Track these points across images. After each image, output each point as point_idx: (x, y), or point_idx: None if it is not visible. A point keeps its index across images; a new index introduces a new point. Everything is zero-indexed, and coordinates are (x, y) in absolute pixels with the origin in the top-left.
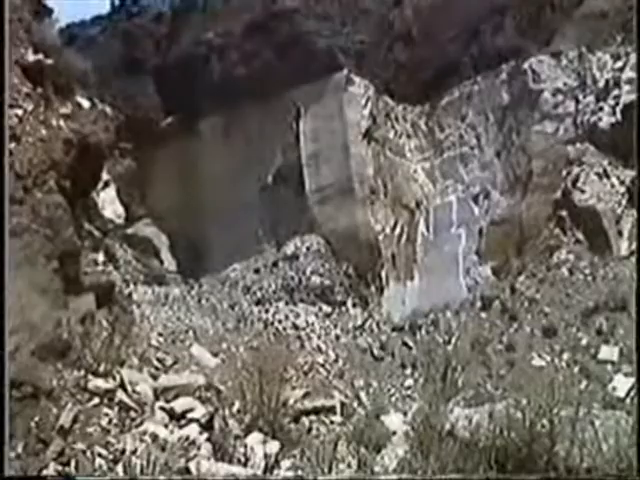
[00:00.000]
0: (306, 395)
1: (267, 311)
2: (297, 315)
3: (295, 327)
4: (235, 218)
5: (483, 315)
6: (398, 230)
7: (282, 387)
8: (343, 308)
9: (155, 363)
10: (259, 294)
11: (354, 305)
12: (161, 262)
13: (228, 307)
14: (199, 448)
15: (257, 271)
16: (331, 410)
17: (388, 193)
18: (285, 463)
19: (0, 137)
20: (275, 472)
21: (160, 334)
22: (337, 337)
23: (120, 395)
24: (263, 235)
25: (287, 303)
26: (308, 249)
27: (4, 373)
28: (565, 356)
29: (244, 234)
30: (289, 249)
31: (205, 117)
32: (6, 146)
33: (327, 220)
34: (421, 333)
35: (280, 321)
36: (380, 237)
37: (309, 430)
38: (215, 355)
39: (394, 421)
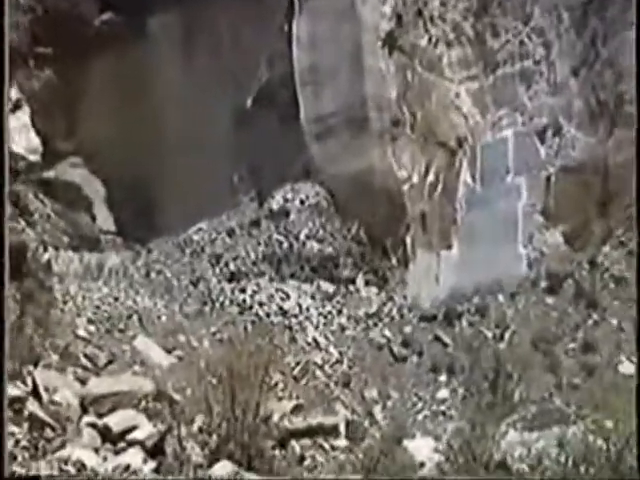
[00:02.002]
0: (297, 409)
1: (243, 290)
2: (286, 296)
3: (283, 313)
4: (200, 158)
5: (550, 300)
6: (431, 178)
7: (263, 397)
8: (351, 287)
9: (83, 361)
10: (232, 266)
11: (367, 283)
12: (93, 219)
13: (189, 284)
14: None
15: (230, 233)
16: (333, 431)
17: (417, 126)
18: None
19: (0, 136)
20: None
21: (91, 320)
22: (342, 328)
23: (32, 406)
24: (239, 182)
25: (272, 279)
26: (302, 203)
27: (4, 373)
28: None
29: (212, 181)
30: (275, 203)
31: (156, 14)
32: (6, 145)
33: (330, 162)
34: (461, 324)
35: (262, 304)
36: (405, 187)
37: (301, 459)
38: (169, 351)
39: (422, 448)
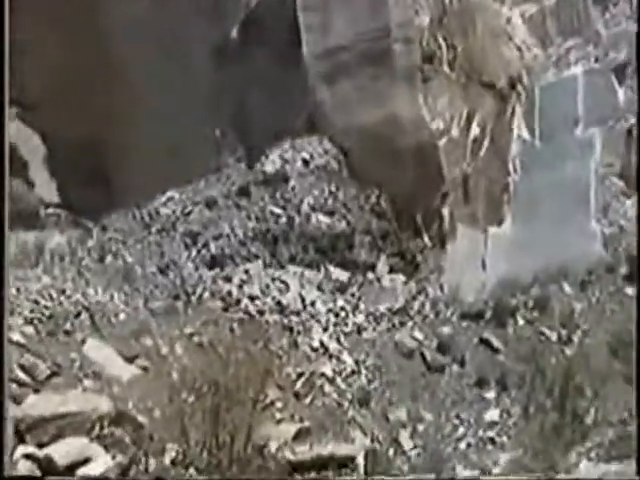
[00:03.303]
0: (302, 434)
1: (228, 279)
2: (285, 287)
3: (281, 309)
4: (170, 107)
5: (631, 291)
6: (475, 131)
7: (257, 418)
8: (370, 275)
9: (18, 374)
10: (213, 247)
11: (391, 270)
12: (30, 186)
13: (156, 271)
14: None
15: (210, 205)
16: (348, 464)
17: (457, 62)
18: None
19: (0, 136)
20: None
21: (28, 320)
22: (359, 328)
23: None
24: (222, 138)
25: (266, 265)
26: (305, 164)
27: (4, 372)
28: None
29: (186, 136)
30: (270, 164)
31: None
32: (6, 145)
33: (341, 111)
34: (516, 323)
35: (253, 298)
36: (441, 143)
37: None
38: (130, 360)
39: None
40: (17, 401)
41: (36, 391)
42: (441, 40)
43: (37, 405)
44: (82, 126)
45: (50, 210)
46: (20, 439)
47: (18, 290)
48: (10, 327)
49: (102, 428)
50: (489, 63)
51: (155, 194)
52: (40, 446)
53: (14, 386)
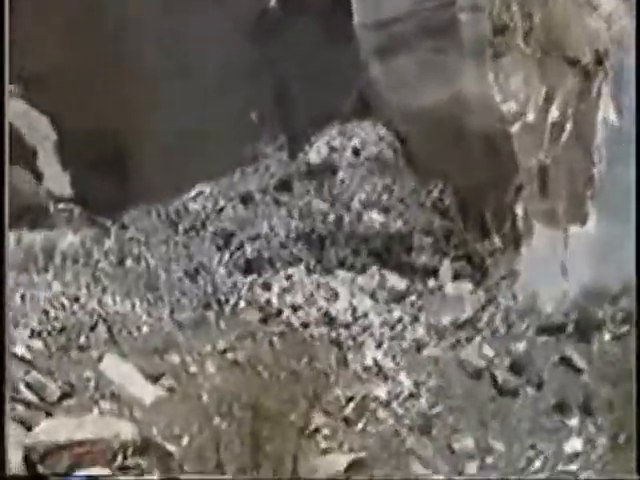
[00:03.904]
0: (355, 467)
1: (268, 286)
2: (333, 296)
3: (328, 321)
4: (199, 87)
5: None
6: (555, 114)
7: (302, 448)
8: (431, 282)
9: (26, 394)
10: (250, 249)
11: (456, 276)
12: (38, 178)
13: (183, 276)
14: None
15: (246, 200)
16: None
17: (534, 34)
18: None
19: (0, 134)
20: None
21: (36, 333)
22: (418, 344)
23: None
24: (260, 123)
25: (312, 270)
26: (356, 154)
27: (4, 373)
28: None
29: (219, 121)
30: (315, 154)
31: None
32: (6, 143)
33: (398, 91)
34: (602, 339)
35: (296, 308)
36: (515, 129)
37: None
38: (155, 379)
39: None
40: (26, 426)
41: (48, 414)
42: (515, 9)
43: (50, 430)
44: (98, 109)
45: (61, 206)
46: (33, 469)
47: (23, 298)
48: (14, 341)
49: (125, 458)
50: (571, 35)
51: (182, 188)
52: (56, 476)
53: (21, 407)
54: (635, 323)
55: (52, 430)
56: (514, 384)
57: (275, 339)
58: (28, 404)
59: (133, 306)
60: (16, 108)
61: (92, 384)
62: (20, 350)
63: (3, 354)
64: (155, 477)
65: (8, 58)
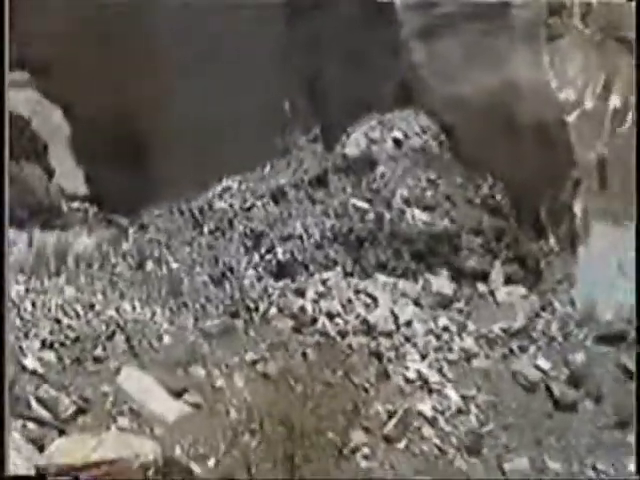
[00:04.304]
0: None
1: (301, 292)
2: (372, 302)
3: (367, 330)
4: (223, 73)
5: None
6: (615, 101)
7: (340, 469)
8: (481, 287)
9: (37, 411)
10: (282, 251)
11: (508, 280)
12: (50, 174)
13: (208, 281)
14: None
15: (277, 197)
16: None
17: (593, 14)
18: None
19: (0, 134)
20: None
21: (48, 344)
22: (467, 355)
23: None
24: (292, 112)
25: (349, 273)
26: (398, 145)
27: (4, 373)
28: None
29: (247, 110)
30: (353, 145)
31: None
32: (6, 142)
33: (443, 75)
34: None
35: (333, 316)
36: (572, 117)
37: None
38: (178, 394)
39: None
40: (38, 446)
41: (61, 432)
42: None
43: (64, 450)
44: (116, 99)
45: (75, 204)
46: None
47: (34, 305)
48: (24, 352)
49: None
50: (632, 16)
51: (207, 184)
52: None
53: (32, 426)
54: (636, 329)
55: (66, 450)
56: (572, 398)
57: (309, 350)
58: (40, 421)
59: (153, 314)
60: (26, 97)
61: (109, 399)
62: (31, 363)
63: (3, 351)
64: None
65: (8, 59)
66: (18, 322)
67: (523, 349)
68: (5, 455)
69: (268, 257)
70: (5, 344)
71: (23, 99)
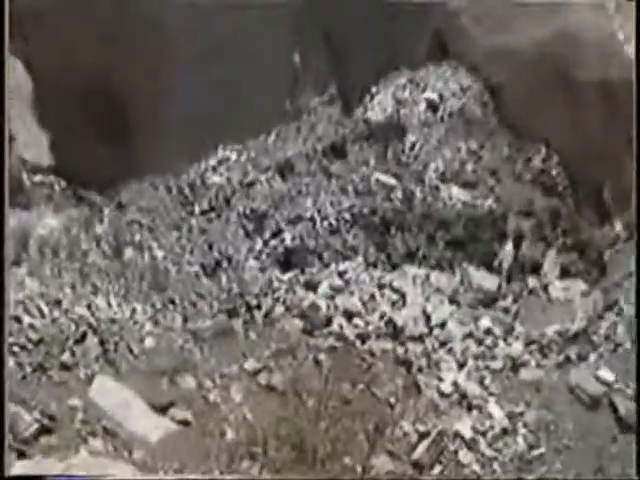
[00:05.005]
0: None
1: (313, 286)
2: (399, 298)
3: (394, 333)
4: (222, 18)
5: None
6: None
7: None
8: (532, 281)
9: None
10: (290, 236)
11: (565, 272)
12: (9, 140)
13: (200, 272)
14: None
15: (286, 170)
16: None
17: None
18: None
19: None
20: None
21: (6, 347)
22: (514, 364)
23: None
24: (303, 66)
25: (372, 264)
26: (432, 109)
27: (4, 373)
28: None
29: (248, 63)
30: (377, 108)
31: None
32: (6, 145)
33: (487, 25)
34: None
35: (351, 315)
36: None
37: None
38: (163, 409)
39: None
40: None
41: (21, 455)
42: None
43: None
44: (90, 49)
45: (38, 178)
46: None
47: None
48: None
49: None
50: None
51: (200, 154)
52: None
53: None
54: (636, 329)
55: (28, 474)
56: None
57: (323, 356)
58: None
59: (133, 312)
60: None
61: (79, 415)
62: None
63: (3, 351)
64: None
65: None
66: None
67: (582, 357)
68: (5, 455)
69: (273, 243)
70: (5, 344)
71: None
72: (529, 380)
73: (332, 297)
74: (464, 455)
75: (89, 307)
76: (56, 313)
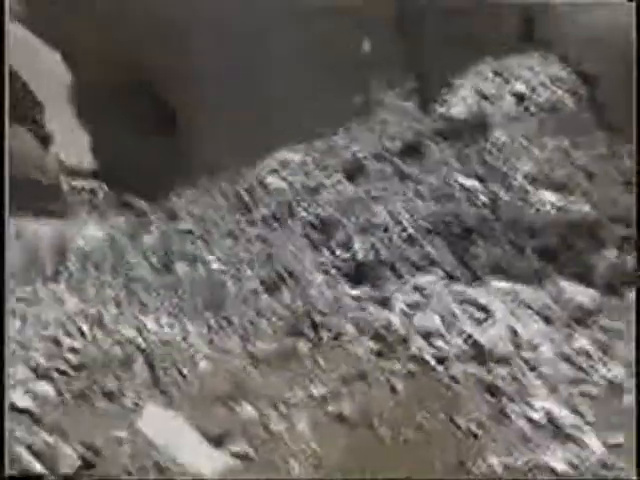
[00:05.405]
0: None
1: (386, 303)
2: (484, 316)
3: (478, 355)
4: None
5: None
6: None
7: None
8: (632, 295)
9: (29, 464)
10: (361, 247)
11: None
12: (44, 142)
13: (262, 288)
14: None
15: (355, 173)
16: None
17: None
18: None
19: (0, 135)
20: None
21: (42, 373)
22: (614, 388)
23: None
24: (376, 56)
25: (451, 277)
26: (520, 100)
27: (4, 373)
28: None
29: (314, 52)
30: (459, 103)
31: None
32: (6, 145)
33: (582, 9)
34: None
35: (430, 335)
36: None
37: None
38: (219, 441)
39: None
40: None
41: None
42: None
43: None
44: (136, 39)
45: (78, 183)
46: None
47: (24, 321)
48: (11, 384)
49: None
50: None
51: (259, 155)
52: None
53: None
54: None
55: (27, 476)
56: None
57: (398, 382)
58: (32, 479)
59: (185, 332)
60: (14, 35)
61: (126, 449)
62: (20, 399)
63: (2, 351)
64: None
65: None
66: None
67: None
68: (5, 455)
69: (342, 255)
70: (5, 344)
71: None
72: (631, 407)
73: (408, 315)
74: None
75: (137, 327)
76: (99, 334)
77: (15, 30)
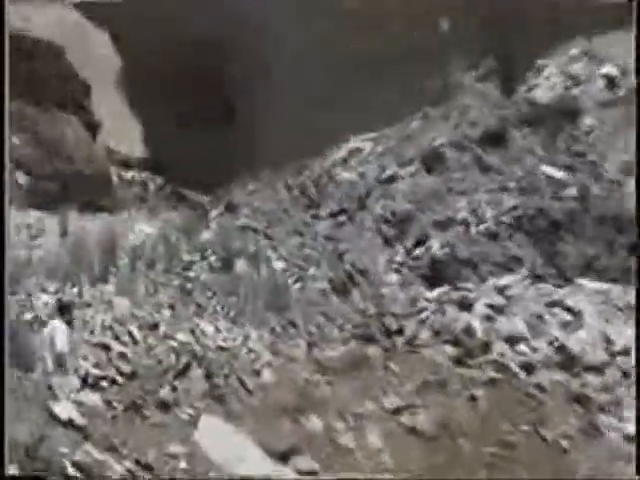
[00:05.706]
0: None
1: (466, 306)
2: (573, 319)
3: (567, 362)
4: None
5: None
6: None
7: None
8: None
9: (72, 477)
10: (438, 245)
11: None
12: (92, 129)
13: (330, 289)
14: None
15: (432, 162)
16: None
17: None
18: None
19: (0, 135)
20: None
21: (91, 382)
22: None
23: None
24: (454, 35)
25: (537, 277)
26: (612, 84)
27: (4, 373)
28: None
29: (388, 31)
30: (544, 85)
31: None
32: (6, 145)
33: None
34: None
35: (514, 340)
36: None
37: None
38: (284, 457)
39: None
40: None
41: None
42: None
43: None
44: (193, 20)
45: (130, 174)
46: None
47: (70, 325)
48: (56, 394)
49: None
50: None
51: (326, 144)
52: None
53: None
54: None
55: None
56: None
57: (480, 391)
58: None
59: (247, 338)
60: (59, 16)
61: (181, 464)
62: (65, 410)
63: (3, 352)
64: None
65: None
66: (47, 349)
67: None
68: (5, 455)
69: (417, 252)
70: (5, 345)
71: (54, 18)
72: None
73: (490, 318)
74: None
75: (193, 332)
76: (152, 340)
77: (64, 12)
